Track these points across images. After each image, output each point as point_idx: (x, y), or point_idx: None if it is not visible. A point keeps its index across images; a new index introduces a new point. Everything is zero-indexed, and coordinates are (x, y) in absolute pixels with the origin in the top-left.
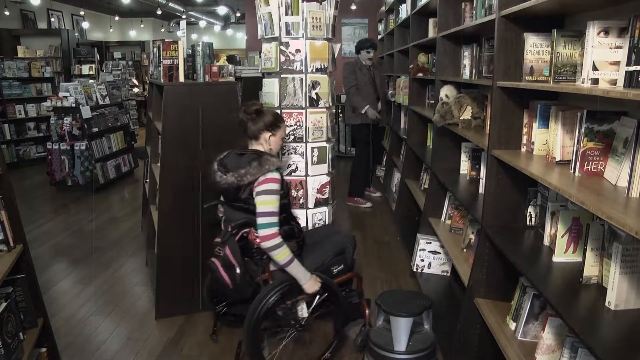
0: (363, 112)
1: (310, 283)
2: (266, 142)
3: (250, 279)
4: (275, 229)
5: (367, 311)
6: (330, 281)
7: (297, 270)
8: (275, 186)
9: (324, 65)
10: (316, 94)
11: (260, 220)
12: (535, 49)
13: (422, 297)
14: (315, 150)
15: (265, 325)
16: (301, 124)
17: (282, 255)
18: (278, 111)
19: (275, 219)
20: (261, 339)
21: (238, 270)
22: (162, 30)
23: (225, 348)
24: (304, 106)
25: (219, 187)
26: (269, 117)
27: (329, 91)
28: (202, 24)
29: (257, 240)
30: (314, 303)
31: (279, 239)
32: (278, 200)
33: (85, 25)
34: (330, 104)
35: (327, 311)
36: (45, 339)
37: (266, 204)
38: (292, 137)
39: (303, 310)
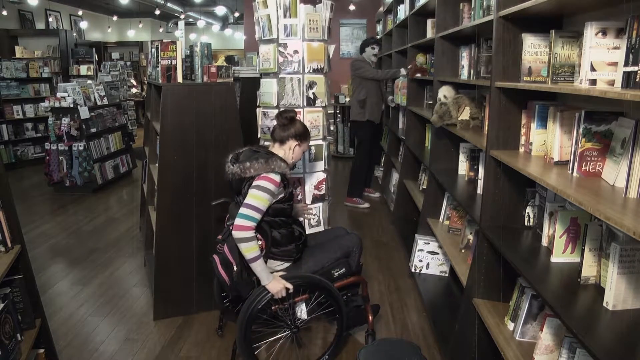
0: (403, 73)
1: (273, 284)
2: (290, 150)
3: (248, 277)
4: (251, 223)
5: (370, 317)
6: (327, 284)
7: (261, 270)
8: (270, 186)
9: (320, 65)
10: (313, 93)
11: (241, 210)
12: (534, 50)
13: (413, 350)
14: (312, 148)
15: (259, 325)
16: None
17: (250, 250)
18: (276, 111)
19: (256, 215)
20: (256, 339)
21: (235, 269)
22: (161, 30)
23: (224, 348)
24: (301, 105)
25: (225, 177)
26: (300, 127)
27: (325, 91)
28: (201, 24)
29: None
30: (309, 305)
31: (250, 233)
32: (268, 200)
33: (83, 25)
34: (326, 104)
35: (327, 313)
36: (43, 340)
37: (254, 198)
38: None
39: (302, 312)
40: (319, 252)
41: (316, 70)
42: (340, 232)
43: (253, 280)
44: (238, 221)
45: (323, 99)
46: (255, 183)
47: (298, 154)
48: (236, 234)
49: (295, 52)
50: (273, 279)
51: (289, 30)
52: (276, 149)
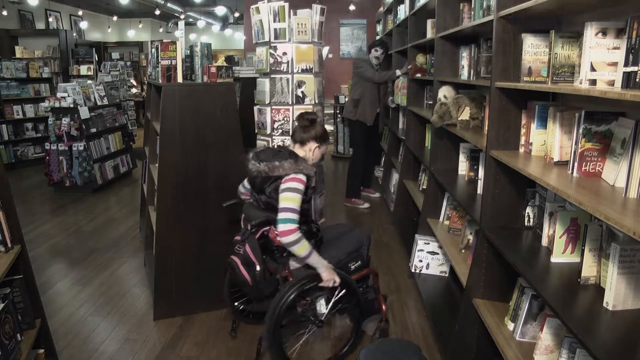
0: (398, 74)
1: (327, 272)
2: (310, 151)
3: (270, 276)
4: (294, 225)
5: (383, 306)
6: (348, 277)
7: (317, 260)
8: (300, 186)
9: (309, 66)
10: (302, 92)
11: (280, 216)
12: (534, 50)
13: (413, 350)
14: None
15: (285, 321)
16: (288, 119)
17: (302, 249)
18: (268, 108)
19: (295, 216)
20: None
21: (258, 268)
22: (161, 30)
23: (224, 348)
24: (290, 103)
25: (250, 175)
26: (320, 129)
27: (315, 89)
28: (201, 24)
29: (277, 238)
30: (333, 299)
31: (298, 234)
32: (300, 200)
33: (83, 25)
34: (316, 102)
35: (346, 307)
36: (43, 340)
37: (289, 200)
38: (280, 130)
39: (322, 306)
40: (334, 247)
41: (305, 71)
42: (345, 228)
43: (276, 279)
44: (281, 227)
45: (312, 96)
46: (285, 186)
47: (317, 156)
48: (284, 239)
49: (284, 53)
50: (327, 267)
51: (278, 33)
52: (296, 150)
